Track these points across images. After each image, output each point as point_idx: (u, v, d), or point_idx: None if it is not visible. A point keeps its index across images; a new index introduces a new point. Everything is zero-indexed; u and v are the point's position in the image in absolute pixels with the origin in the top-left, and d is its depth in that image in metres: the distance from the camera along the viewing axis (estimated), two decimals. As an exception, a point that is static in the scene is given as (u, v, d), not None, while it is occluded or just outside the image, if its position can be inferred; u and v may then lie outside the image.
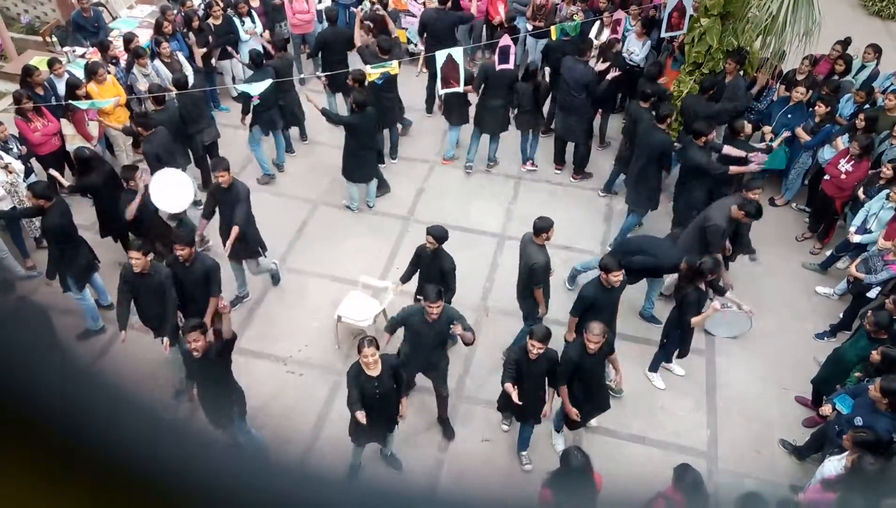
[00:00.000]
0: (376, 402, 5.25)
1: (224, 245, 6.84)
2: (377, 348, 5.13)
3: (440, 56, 8.54)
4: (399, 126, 9.43)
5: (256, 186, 8.97)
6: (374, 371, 5.15)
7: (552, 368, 5.47)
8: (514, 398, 5.25)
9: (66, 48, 9.76)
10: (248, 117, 8.43)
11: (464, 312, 7.30)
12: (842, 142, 7.99)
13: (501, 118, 8.80)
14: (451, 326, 5.54)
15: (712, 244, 6.61)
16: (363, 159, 8.21)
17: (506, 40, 8.85)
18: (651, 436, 6.48)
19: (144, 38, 9.47)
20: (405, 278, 6.63)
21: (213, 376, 5.44)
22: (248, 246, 7.03)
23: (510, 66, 8.97)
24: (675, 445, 6.41)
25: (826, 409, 5.74)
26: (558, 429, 6.25)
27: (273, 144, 9.18)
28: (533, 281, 6.34)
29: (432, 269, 6.34)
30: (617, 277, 5.78)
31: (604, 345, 5.40)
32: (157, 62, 8.72)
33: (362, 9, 9.87)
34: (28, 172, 7.59)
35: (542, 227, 6.23)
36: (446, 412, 6.29)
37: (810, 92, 8.38)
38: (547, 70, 9.45)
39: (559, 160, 9.39)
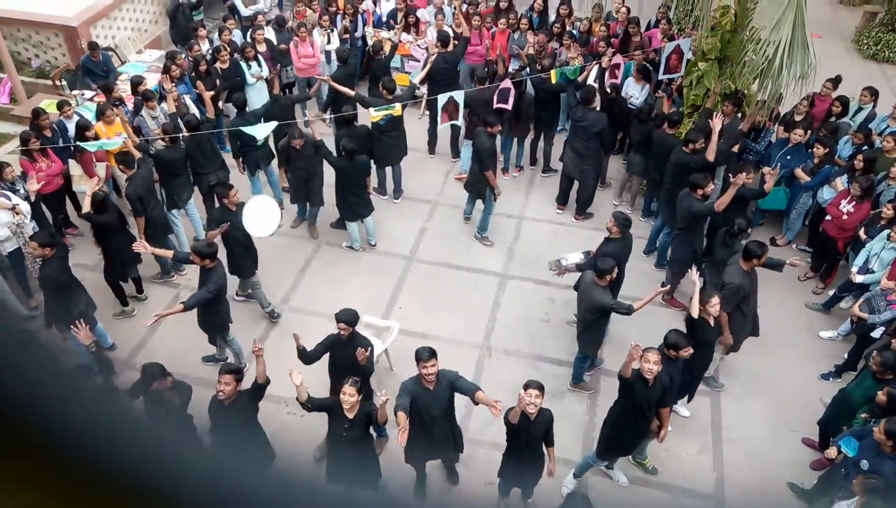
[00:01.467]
0: (342, 445, 5.19)
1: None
2: (358, 392, 5.08)
3: (442, 98, 8.71)
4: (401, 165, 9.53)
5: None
6: (350, 413, 5.11)
7: (549, 430, 5.38)
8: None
9: (76, 91, 9.95)
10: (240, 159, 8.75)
11: (466, 351, 7.33)
12: (840, 183, 8.07)
13: (478, 184, 8.63)
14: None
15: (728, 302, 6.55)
16: (348, 201, 8.33)
17: (506, 83, 9.02)
18: (656, 479, 6.39)
19: (152, 81, 9.65)
20: (311, 359, 5.94)
21: (237, 424, 5.32)
22: (207, 328, 6.82)
23: (508, 106, 9.12)
24: (681, 488, 6.32)
25: (831, 452, 5.66)
26: (578, 474, 6.14)
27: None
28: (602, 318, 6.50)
29: (348, 355, 5.79)
30: (688, 351, 5.62)
31: (657, 379, 5.34)
32: (164, 105, 8.88)
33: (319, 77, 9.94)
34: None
35: (606, 269, 6.27)
36: None
37: (809, 133, 8.49)
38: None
39: (562, 200, 9.47)
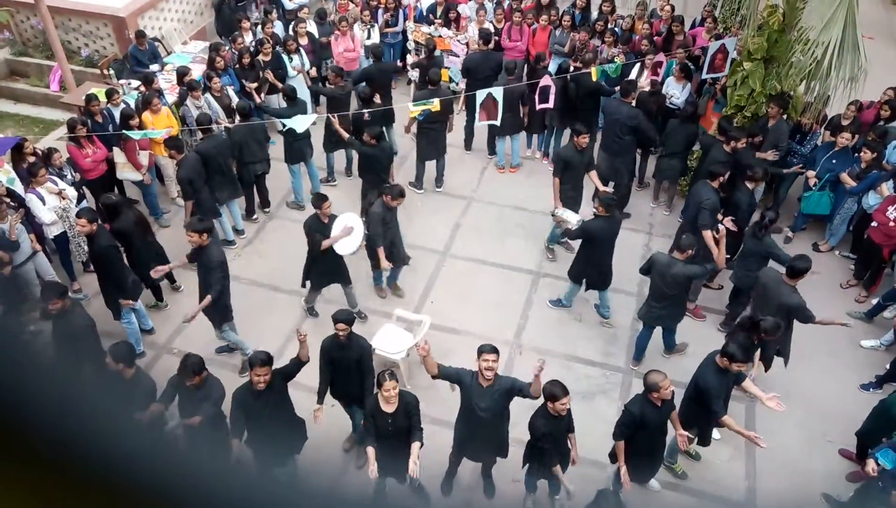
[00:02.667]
0: (391, 437, 5.27)
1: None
2: (397, 381, 5.17)
3: (480, 95, 8.71)
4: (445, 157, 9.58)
5: (296, 217, 9.15)
6: (390, 407, 5.17)
7: (570, 419, 5.47)
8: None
9: (122, 80, 10.18)
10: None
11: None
12: (887, 188, 7.84)
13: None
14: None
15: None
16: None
17: (545, 80, 8.96)
18: (687, 484, 6.32)
19: (197, 72, 9.82)
20: (323, 393, 5.83)
21: (274, 406, 5.42)
22: (212, 313, 6.75)
23: (550, 105, 9.06)
24: (712, 495, 6.23)
25: (869, 465, 5.52)
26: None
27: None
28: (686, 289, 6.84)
29: (349, 357, 5.79)
30: (742, 367, 5.62)
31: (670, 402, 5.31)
32: (208, 95, 9.03)
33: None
34: (80, 198, 7.87)
35: (688, 244, 6.54)
36: None
37: (856, 137, 8.27)
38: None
39: (598, 199, 9.38)
